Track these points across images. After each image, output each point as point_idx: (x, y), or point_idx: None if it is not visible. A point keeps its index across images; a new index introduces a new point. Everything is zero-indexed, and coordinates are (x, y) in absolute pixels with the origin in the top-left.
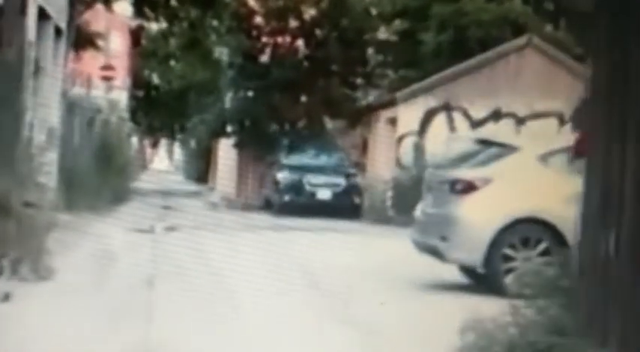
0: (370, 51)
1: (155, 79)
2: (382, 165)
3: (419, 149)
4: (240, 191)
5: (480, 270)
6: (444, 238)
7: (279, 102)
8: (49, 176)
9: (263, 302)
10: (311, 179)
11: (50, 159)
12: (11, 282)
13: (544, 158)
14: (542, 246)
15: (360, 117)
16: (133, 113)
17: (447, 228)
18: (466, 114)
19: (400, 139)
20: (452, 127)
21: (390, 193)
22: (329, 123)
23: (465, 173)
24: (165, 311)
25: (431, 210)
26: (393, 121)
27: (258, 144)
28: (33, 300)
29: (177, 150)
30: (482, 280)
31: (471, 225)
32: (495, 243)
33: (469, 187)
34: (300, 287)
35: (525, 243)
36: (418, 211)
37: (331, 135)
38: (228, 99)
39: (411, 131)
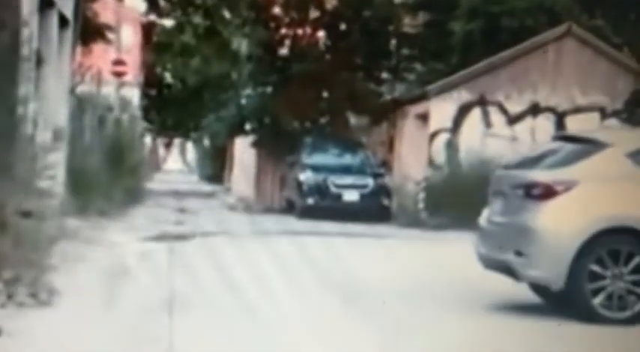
0: (395, 42)
1: (168, 78)
2: (410, 164)
3: (452, 147)
4: (259, 192)
5: (560, 290)
6: (519, 253)
7: (300, 97)
8: (54, 179)
9: (310, 333)
10: (336, 180)
11: (56, 161)
12: (6, 310)
13: (634, 156)
14: (635, 261)
15: (386, 113)
16: (146, 112)
17: (522, 240)
18: (502, 109)
19: (432, 136)
20: (487, 123)
21: (422, 194)
22: (352, 120)
23: (544, 175)
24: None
25: (501, 219)
26: (422, 117)
27: (278, 143)
28: (29, 335)
29: (191, 150)
30: (562, 301)
31: (552, 236)
32: (580, 258)
33: (549, 192)
34: (350, 313)
35: (615, 257)
36: (483, 220)
37: (356, 133)
38: (246, 96)
39: (443, 127)
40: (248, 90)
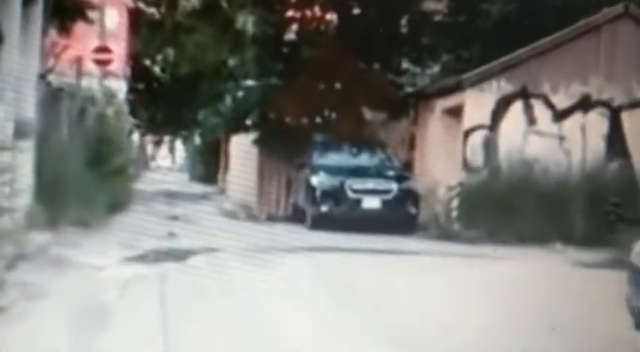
0: (417, 26)
1: (158, 70)
2: (437, 166)
3: (491, 146)
4: (262, 197)
5: None
6: None
7: (309, 89)
8: (14, 185)
9: None
10: (354, 184)
11: (20, 161)
12: None
13: None
14: None
15: (407, 107)
16: (133, 107)
17: None
18: (548, 103)
19: (467, 134)
20: (531, 119)
21: (455, 202)
22: (367, 115)
23: None
24: None
25: None
26: (452, 112)
27: (284, 141)
28: None
29: (180, 148)
30: None
31: None
32: None
33: None
34: None
35: None
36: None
37: (373, 130)
38: (247, 87)
39: (480, 124)
40: (249, 82)
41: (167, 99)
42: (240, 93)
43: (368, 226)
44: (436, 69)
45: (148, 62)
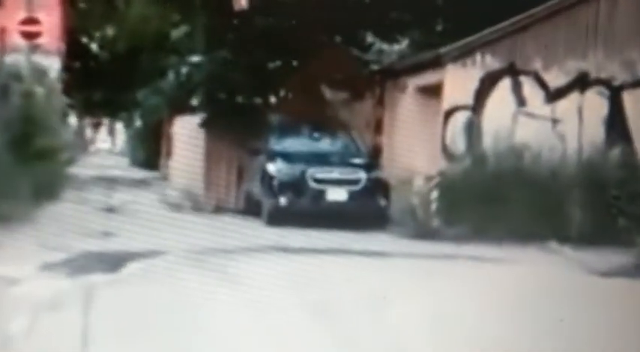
0: None
1: (95, 48)
2: (411, 153)
3: (474, 130)
4: (209, 186)
5: None
6: None
7: (264, 65)
8: None
9: None
10: (317, 173)
11: None
12: None
13: None
14: None
15: (372, 85)
16: (68, 87)
17: None
18: (539, 81)
19: (447, 116)
20: (520, 99)
21: (434, 193)
22: (327, 94)
23: None
24: None
25: None
26: (427, 91)
27: (236, 123)
28: None
29: (121, 130)
30: None
31: None
32: None
33: None
34: None
35: None
36: None
37: (335, 111)
38: (193, 63)
39: (462, 104)
40: (195, 56)
41: (105, 78)
42: (184, 70)
43: (333, 221)
44: (404, 44)
45: (85, 39)
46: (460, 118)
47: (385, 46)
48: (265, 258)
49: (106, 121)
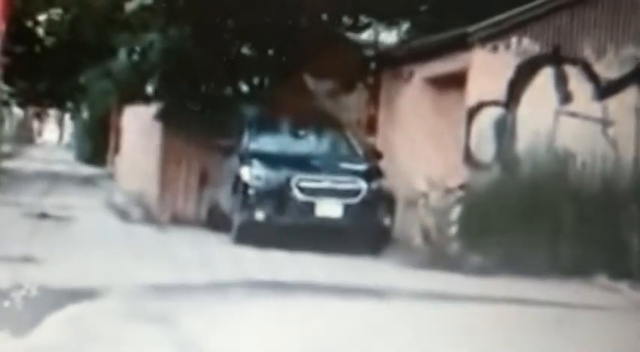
0: None
1: (41, 32)
2: (419, 159)
3: (507, 132)
4: (164, 191)
5: None
6: None
7: (233, 45)
8: None
9: None
10: (304, 181)
11: None
12: None
13: None
14: None
15: (365, 74)
16: (9, 74)
17: None
18: (588, 72)
19: (472, 114)
20: (564, 94)
21: (455, 212)
22: (310, 84)
23: None
24: None
25: None
26: (442, 82)
27: (200, 116)
28: None
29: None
30: None
31: None
32: None
33: None
34: None
35: None
36: None
37: (322, 104)
38: (148, 41)
39: (491, 99)
40: (151, 34)
41: (51, 64)
42: (137, 49)
43: (321, 242)
44: (405, 26)
45: (29, 23)
46: (488, 117)
47: (382, 28)
48: (232, 300)
49: (53, 112)
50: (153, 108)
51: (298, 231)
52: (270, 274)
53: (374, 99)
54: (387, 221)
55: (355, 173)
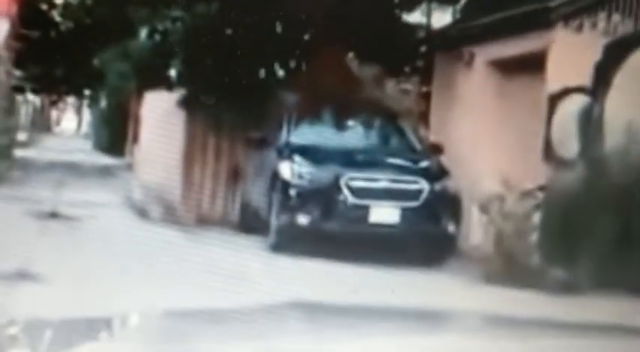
0: None
1: (57, 16)
2: (483, 155)
3: (594, 123)
4: (189, 187)
5: None
6: None
7: (268, 23)
8: None
9: None
10: (356, 180)
11: None
12: None
13: None
14: None
15: (415, 58)
16: (24, 59)
17: None
18: None
19: (553, 102)
20: None
21: (534, 218)
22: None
23: None
24: None
25: None
26: (508, 65)
27: (230, 103)
28: None
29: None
30: None
31: None
32: None
33: None
34: None
35: None
36: None
37: (370, 92)
38: (172, 18)
39: (575, 85)
40: (174, 10)
41: (68, 50)
42: (159, 27)
43: (374, 253)
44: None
45: (44, 6)
46: (573, 106)
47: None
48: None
49: (71, 99)
50: (176, 95)
51: (348, 239)
52: (318, 293)
53: (425, 85)
54: (452, 228)
55: (416, 171)
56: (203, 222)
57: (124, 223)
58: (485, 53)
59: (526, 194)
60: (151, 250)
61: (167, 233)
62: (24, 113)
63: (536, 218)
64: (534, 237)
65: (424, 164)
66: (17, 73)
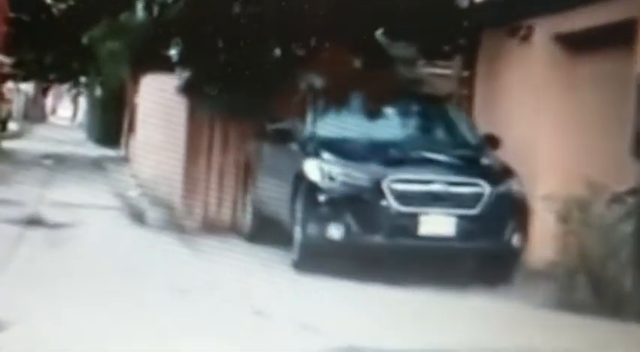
0: None
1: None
2: (548, 149)
3: None
4: (192, 188)
5: None
6: None
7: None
8: None
9: None
10: (401, 183)
11: None
12: None
13: None
14: None
15: (457, 32)
16: (13, 44)
17: None
18: None
19: None
20: None
21: (625, 229)
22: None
23: None
24: None
25: None
26: (571, 41)
27: (241, 90)
28: None
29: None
30: None
31: None
32: None
33: None
34: None
35: None
36: None
37: (407, 74)
38: None
39: None
40: None
41: (60, 35)
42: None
43: (424, 272)
44: None
45: None
46: None
47: None
48: None
49: (66, 88)
50: (176, 78)
51: (392, 256)
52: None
53: (469, 67)
54: (517, 240)
55: (475, 170)
56: (208, 229)
57: (114, 231)
58: (549, 26)
59: (614, 199)
60: (147, 270)
61: (166, 245)
62: (15, 102)
63: (627, 229)
64: (625, 252)
65: (484, 161)
66: (7, 59)
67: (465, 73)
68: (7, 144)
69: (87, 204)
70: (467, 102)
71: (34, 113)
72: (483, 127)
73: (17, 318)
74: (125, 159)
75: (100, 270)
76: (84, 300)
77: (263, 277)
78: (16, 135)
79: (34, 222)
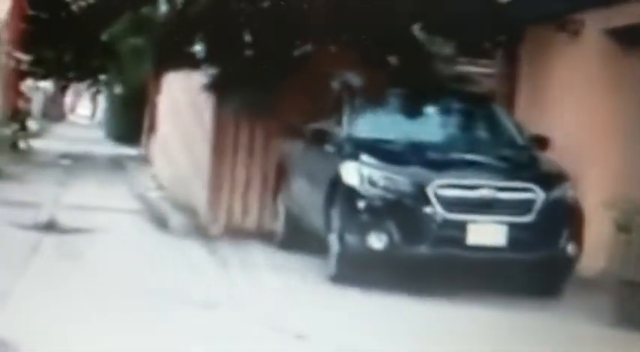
0: None
1: None
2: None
3: None
4: (217, 191)
5: None
6: None
7: None
8: None
9: None
10: (447, 188)
11: None
12: None
13: None
14: None
15: (499, 27)
16: (31, 43)
17: None
18: None
19: None
20: None
21: None
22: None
23: None
24: None
25: None
26: (626, 37)
27: (271, 88)
28: None
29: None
30: None
31: None
32: None
33: None
34: None
35: None
36: None
37: (447, 70)
38: None
39: None
40: None
41: (79, 33)
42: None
43: (474, 281)
44: None
45: None
46: None
47: None
48: None
49: (84, 85)
50: (202, 76)
51: (439, 268)
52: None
53: (511, 66)
54: (572, 248)
55: (527, 174)
56: (234, 234)
57: (135, 240)
58: (601, 20)
59: None
60: (171, 284)
61: (192, 254)
62: (35, 100)
63: None
64: None
65: (537, 165)
66: (26, 57)
67: (507, 71)
68: (25, 144)
69: (106, 207)
70: (508, 101)
71: (53, 111)
72: (530, 122)
73: (28, 341)
74: (145, 158)
75: (119, 285)
76: (102, 319)
77: (299, 291)
78: (35, 134)
79: (50, 227)
